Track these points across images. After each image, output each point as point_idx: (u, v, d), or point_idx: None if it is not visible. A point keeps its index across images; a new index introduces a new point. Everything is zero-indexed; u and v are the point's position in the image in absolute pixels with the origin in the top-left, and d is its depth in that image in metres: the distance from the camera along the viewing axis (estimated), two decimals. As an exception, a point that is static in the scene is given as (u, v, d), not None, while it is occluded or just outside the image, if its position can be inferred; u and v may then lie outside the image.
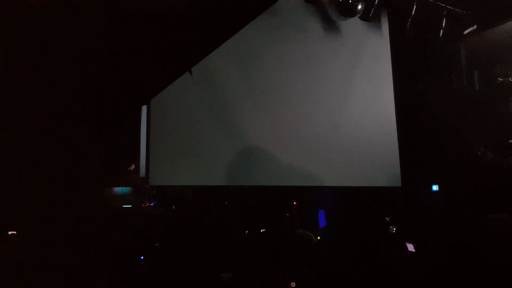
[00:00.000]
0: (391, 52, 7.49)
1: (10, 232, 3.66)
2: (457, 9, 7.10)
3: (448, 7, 6.99)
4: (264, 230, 5.48)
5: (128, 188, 5.98)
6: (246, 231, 5.43)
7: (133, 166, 6.41)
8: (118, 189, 5.92)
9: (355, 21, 6.86)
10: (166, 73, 3.08)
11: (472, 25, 7.28)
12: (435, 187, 7.15)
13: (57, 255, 3.22)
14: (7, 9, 2.41)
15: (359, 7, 6.44)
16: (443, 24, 7.04)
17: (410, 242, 4.12)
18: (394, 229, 5.38)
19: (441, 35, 7.10)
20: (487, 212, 5.30)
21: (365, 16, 6.79)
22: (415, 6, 6.76)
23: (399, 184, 6.99)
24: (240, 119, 5.91)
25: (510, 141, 6.96)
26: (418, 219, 6.25)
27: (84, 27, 2.47)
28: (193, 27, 2.60)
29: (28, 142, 3.28)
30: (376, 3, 6.65)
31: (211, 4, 2.41)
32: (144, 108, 5.54)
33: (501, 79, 7.31)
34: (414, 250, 4.01)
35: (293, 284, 2.82)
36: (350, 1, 6.33)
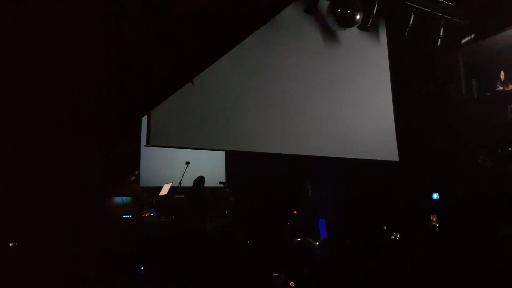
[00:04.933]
0: (389, 61, 7.55)
1: (11, 244, 3.65)
2: (454, 19, 7.18)
3: (446, 16, 7.07)
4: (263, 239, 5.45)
5: (128, 198, 5.96)
6: (248, 242, 5.39)
7: (133, 177, 6.42)
8: (118, 199, 5.91)
9: (354, 31, 6.92)
10: (168, 84, 3.11)
11: (470, 34, 7.37)
12: (435, 195, 7.15)
13: (58, 266, 3.22)
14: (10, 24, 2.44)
15: (357, 17, 6.51)
16: (441, 33, 7.12)
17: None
18: (398, 235, 5.37)
19: (438, 44, 7.18)
20: (488, 220, 5.30)
21: (363, 26, 6.86)
22: (412, 16, 6.84)
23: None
24: (240, 120, 5.89)
25: (510, 149, 6.99)
26: (419, 226, 6.23)
27: (87, 42, 2.49)
28: (195, 38, 2.62)
29: (30, 153, 3.30)
30: (374, 13, 6.72)
31: (212, 16, 2.45)
32: (144, 119, 5.52)
33: (500, 88, 7.37)
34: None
35: (292, 284, 2.84)
36: (348, 12, 6.40)
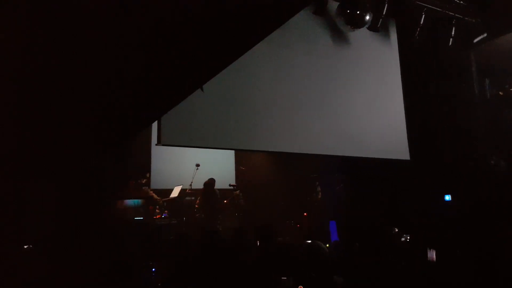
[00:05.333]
0: (400, 62, 7.46)
1: (25, 246, 3.72)
2: (466, 18, 7.07)
3: (457, 15, 6.96)
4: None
5: (140, 200, 6.03)
6: (258, 242, 5.41)
7: (144, 179, 6.49)
8: (130, 202, 5.97)
9: (364, 32, 6.87)
10: (178, 90, 3.13)
11: (482, 33, 7.25)
12: (447, 197, 7.06)
13: (70, 267, 3.27)
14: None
15: (367, 17, 6.44)
16: (453, 33, 7.01)
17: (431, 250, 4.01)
18: (408, 237, 5.32)
19: (450, 43, 7.07)
20: (501, 221, 5.22)
21: (373, 27, 6.80)
22: (423, 16, 6.76)
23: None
24: (251, 119, 5.89)
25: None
26: (430, 229, 6.17)
27: (100, 48, 2.52)
28: (205, 44, 2.64)
29: (44, 158, 3.36)
30: (384, 13, 6.65)
31: (224, 22, 2.45)
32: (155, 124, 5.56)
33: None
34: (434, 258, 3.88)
35: (300, 287, 2.85)
36: (358, 12, 6.34)
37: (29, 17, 2.38)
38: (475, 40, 7.31)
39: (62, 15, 2.37)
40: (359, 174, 7.42)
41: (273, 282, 3.08)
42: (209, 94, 5.25)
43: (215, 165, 8.24)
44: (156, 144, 5.27)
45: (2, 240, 3.30)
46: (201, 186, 7.43)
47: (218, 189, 7.57)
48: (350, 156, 6.67)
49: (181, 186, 7.02)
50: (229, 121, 5.66)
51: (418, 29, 6.83)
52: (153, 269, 5.13)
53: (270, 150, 6.39)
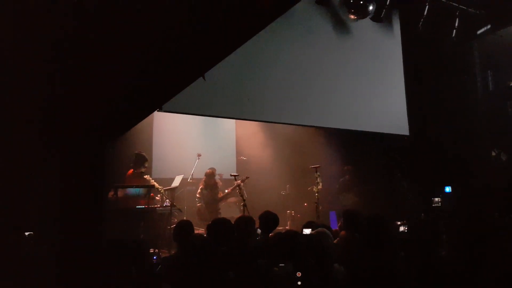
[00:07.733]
0: (403, 53, 7.42)
1: (27, 233, 3.74)
2: (470, 9, 7.03)
3: (461, 7, 6.92)
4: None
5: (141, 189, 6.04)
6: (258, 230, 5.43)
7: (146, 168, 6.49)
8: (132, 190, 5.99)
9: (367, 22, 6.83)
10: (179, 79, 3.12)
11: (486, 25, 7.21)
12: (448, 189, 7.08)
13: (71, 255, 3.29)
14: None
15: (370, 8, 6.41)
16: (456, 24, 6.98)
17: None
18: (406, 228, 5.35)
19: (453, 35, 7.05)
20: (500, 213, 5.25)
21: (376, 17, 6.76)
22: (427, 6, 6.72)
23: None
24: (253, 89, 5.92)
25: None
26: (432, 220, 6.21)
27: (98, 40, 2.50)
28: (207, 33, 2.62)
29: (45, 145, 3.36)
30: (387, 3, 6.61)
31: (225, 11, 2.44)
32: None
33: None
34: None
35: (298, 274, 2.87)
36: (361, 2, 6.30)
37: (26, 14, 2.36)
38: (479, 32, 7.29)
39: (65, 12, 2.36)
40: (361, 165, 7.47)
41: (271, 268, 3.09)
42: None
43: (216, 155, 8.27)
44: (158, 111, 5.23)
45: (4, 227, 3.31)
46: (202, 176, 7.46)
47: (219, 179, 7.60)
48: (350, 133, 6.79)
49: (182, 175, 7.05)
50: (231, 91, 5.67)
51: (422, 20, 6.80)
52: (154, 257, 5.18)
53: (270, 120, 6.48)
